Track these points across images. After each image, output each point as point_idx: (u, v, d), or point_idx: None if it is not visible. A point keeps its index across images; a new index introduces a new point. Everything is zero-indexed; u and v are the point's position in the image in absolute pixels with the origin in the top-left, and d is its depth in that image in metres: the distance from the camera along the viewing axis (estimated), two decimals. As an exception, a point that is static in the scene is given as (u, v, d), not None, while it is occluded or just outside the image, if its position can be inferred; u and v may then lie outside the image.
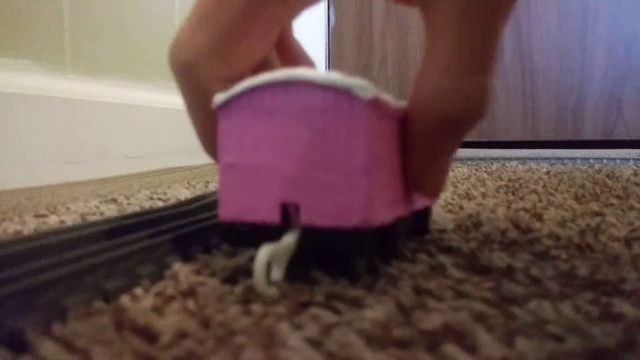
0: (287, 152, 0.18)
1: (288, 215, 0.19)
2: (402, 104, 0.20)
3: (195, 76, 0.19)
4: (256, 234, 0.19)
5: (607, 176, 0.60)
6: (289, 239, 0.18)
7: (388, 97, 0.19)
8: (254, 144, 0.19)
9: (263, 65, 0.21)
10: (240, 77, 0.19)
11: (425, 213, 0.26)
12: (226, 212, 0.20)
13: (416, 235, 0.26)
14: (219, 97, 0.19)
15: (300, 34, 0.26)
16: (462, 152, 1.12)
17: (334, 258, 0.19)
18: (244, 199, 0.19)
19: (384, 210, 0.19)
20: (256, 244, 0.18)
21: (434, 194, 0.21)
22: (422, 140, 0.19)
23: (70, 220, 0.32)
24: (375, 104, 0.17)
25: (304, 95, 0.18)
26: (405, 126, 0.20)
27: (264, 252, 0.17)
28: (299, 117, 0.18)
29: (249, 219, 0.19)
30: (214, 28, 0.19)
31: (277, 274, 0.18)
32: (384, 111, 0.18)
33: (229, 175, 0.19)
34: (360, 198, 0.17)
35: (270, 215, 0.19)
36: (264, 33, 0.20)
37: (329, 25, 1.19)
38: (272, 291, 0.17)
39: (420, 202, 0.24)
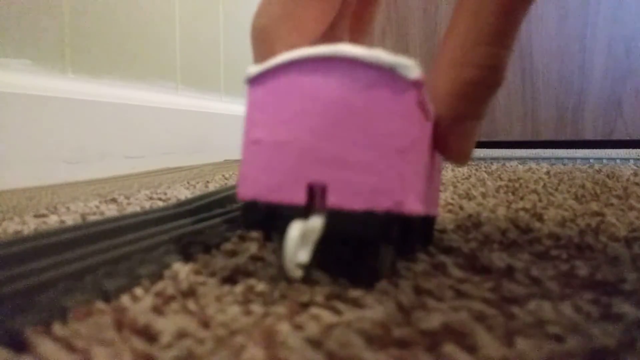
0: (320, 130, 0.17)
1: (313, 198, 0.17)
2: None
3: (268, 39, 0.21)
4: (275, 216, 0.17)
5: (607, 176, 0.60)
6: (317, 221, 0.17)
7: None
8: (286, 120, 0.18)
9: (331, 34, 0.23)
10: (309, 44, 0.20)
11: (431, 222, 0.25)
12: (245, 191, 0.18)
13: (420, 244, 0.24)
14: (252, 69, 0.18)
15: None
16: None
17: (357, 251, 0.18)
18: (267, 178, 0.18)
19: (417, 199, 0.18)
20: (273, 227, 0.17)
21: (460, 158, 0.22)
22: (444, 103, 0.20)
23: (70, 220, 0.32)
24: (419, 85, 0.17)
25: (346, 71, 0.17)
26: (433, 91, 0.20)
27: (296, 229, 0.16)
28: (338, 94, 0.17)
29: (270, 199, 0.18)
30: None
31: (303, 255, 0.17)
32: (423, 98, 0.17)
33: (254, 151, 0.18)
34: (394, 179, 0.16)
35: (295, 195, 0.17)
36: (330, 2, 0.22)
37: (329, 25, 1.19)
38: (299, 274, 0.16)
39: (429, 209, 0.24)
